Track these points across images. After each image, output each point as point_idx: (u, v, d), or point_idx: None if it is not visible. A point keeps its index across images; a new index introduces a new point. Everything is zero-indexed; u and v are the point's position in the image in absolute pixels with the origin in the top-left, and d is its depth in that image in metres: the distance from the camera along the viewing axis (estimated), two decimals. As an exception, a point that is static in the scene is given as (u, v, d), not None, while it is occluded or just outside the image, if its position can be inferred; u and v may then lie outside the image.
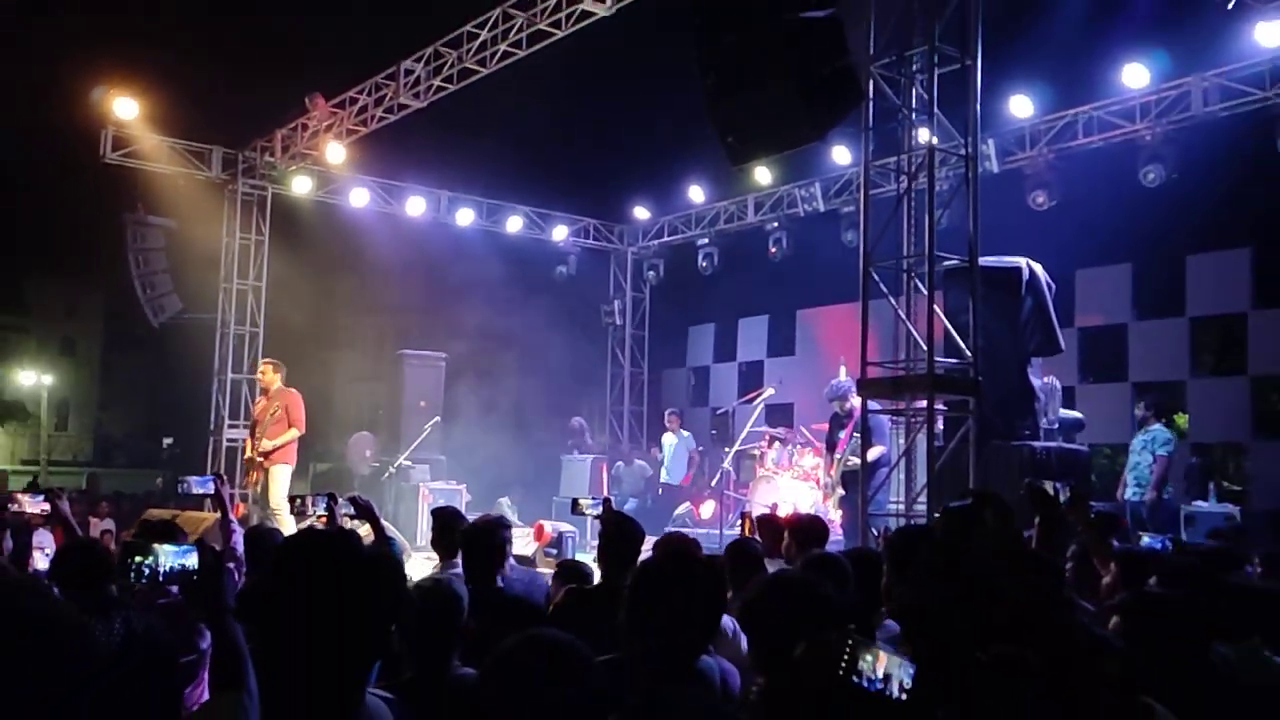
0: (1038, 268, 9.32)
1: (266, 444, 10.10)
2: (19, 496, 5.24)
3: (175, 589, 2.56)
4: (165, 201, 13.91)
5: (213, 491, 5.25)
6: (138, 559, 2.45)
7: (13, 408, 37.89)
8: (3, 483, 35.51)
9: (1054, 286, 9.45)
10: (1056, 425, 9.61)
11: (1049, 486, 3.85)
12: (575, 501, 6.49)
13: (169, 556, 2.45)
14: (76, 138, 14.12)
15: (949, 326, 7.94)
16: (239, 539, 4.97)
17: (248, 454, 10.69)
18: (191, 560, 2.44)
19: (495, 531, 4.51)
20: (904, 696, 1.63)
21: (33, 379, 39.28)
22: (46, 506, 4.82)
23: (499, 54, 10.93)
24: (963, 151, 7.85)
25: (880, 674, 1.63)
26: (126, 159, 13.21)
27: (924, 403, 7.70)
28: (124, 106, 12.77)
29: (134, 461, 39.22)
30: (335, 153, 12.91)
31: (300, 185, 14.13)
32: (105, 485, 32.47)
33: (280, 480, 10.01)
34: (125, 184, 13.85)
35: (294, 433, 10.17)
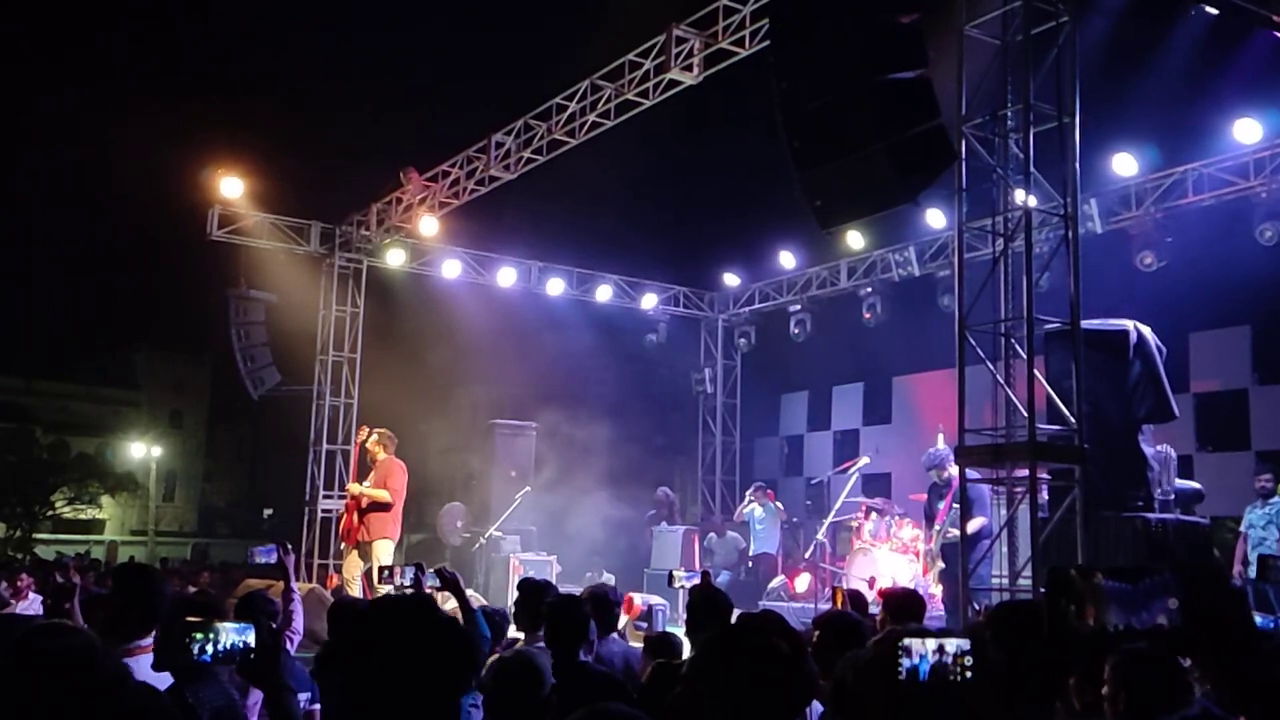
0: (1146, 330, 8.90)
1: (355, 488, 10.10)
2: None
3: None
4: (266, 276, 14.34)
5: (275, 560, 5.30)
6: (197, 635, 2.44)
7: (123, 479, 39.29)
8: (113, 553, 36.75)
9: (1165, 350, 9.01)
10: (1173, 496, 9.08)
11: None
12: (671, 574, 6.44)
13: (229, 633, 2.44)
14: (185, 217, 14.73)
15: (1051, 392, 7.61)
16: (298, 606, 5.00)
17: (344, 525, 10.55)
18: (250, 637, 2.42)
19: (576, 605, 4.45)
20: None
21: (142, 451, 40.77)
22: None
23: (587, 124, 11.04)
24: (1062, 212, 7.59)
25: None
26: (231, 235, 13.67)
27: (1025, 471, 7.36)
28: (230, 186, 13.30)
29: (236, 532, 40.23)
30: (428, 225, 13.16)
31: (394, 258, 14.44)
32: (210, 555, 33.27)
33: (382, 559, 9.66)
34: (229, 260, 14.35)
35: (383, 494, 9.96)
